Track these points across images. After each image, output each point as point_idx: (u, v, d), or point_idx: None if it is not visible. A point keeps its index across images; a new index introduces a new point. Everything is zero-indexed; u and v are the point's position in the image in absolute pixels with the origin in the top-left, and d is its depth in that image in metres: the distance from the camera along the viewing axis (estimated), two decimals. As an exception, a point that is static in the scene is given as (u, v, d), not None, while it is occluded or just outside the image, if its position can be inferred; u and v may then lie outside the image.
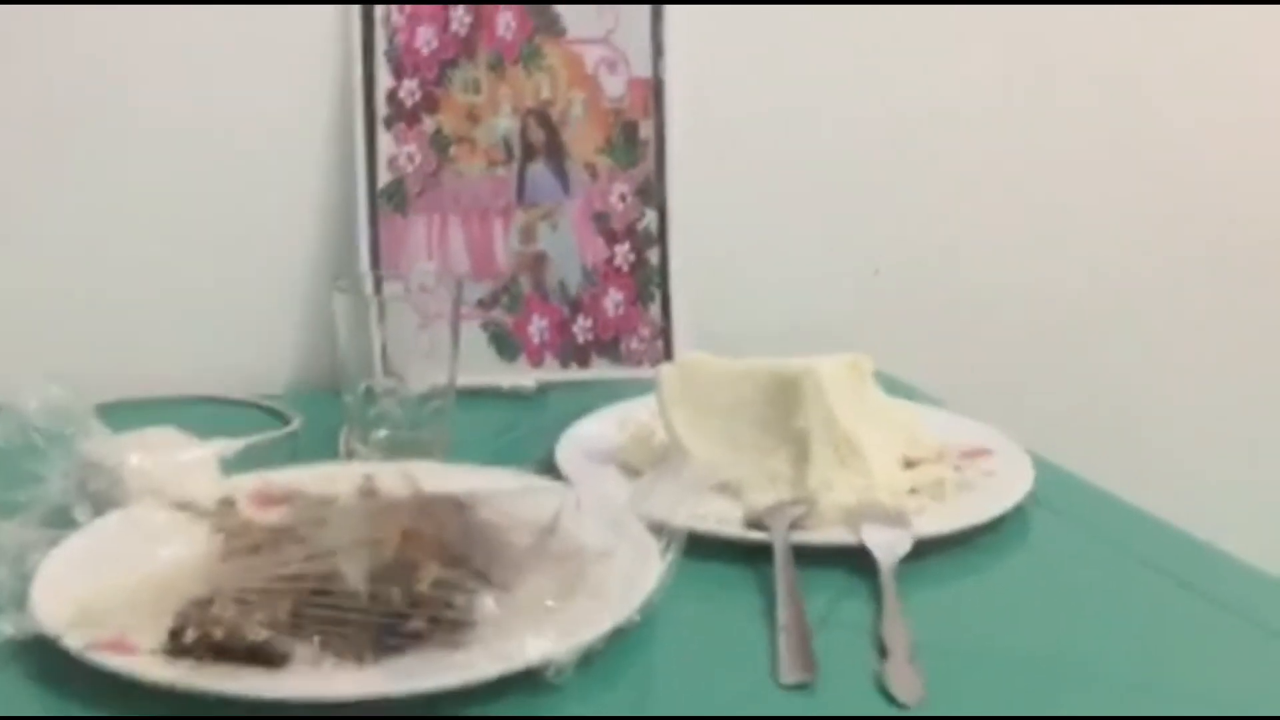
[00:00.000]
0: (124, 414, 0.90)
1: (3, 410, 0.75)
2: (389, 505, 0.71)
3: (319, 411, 0.92)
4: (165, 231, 1.00)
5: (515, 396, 1.02)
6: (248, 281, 1.02)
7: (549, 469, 0.83)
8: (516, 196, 1.04)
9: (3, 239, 0.97)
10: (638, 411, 0.91)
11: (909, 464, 0.85)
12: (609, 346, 1.05)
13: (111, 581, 0.64)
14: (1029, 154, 1.17)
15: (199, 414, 0.94)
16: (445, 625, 0.59)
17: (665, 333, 1.06)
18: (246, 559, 0.65)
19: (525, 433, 0.94)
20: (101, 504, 0.74)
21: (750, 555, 0.73)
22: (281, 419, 0.94)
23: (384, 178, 1.00)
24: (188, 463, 0.78)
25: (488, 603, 0.60)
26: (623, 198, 1.05)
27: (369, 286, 0.95)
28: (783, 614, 0.66)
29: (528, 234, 1.04)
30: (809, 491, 0.78)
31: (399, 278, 0.99)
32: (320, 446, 0.88)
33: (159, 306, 1.01)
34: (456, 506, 0.69)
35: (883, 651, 0.64)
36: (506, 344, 1.04)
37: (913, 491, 0.80)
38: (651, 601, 0.64)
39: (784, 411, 0.81)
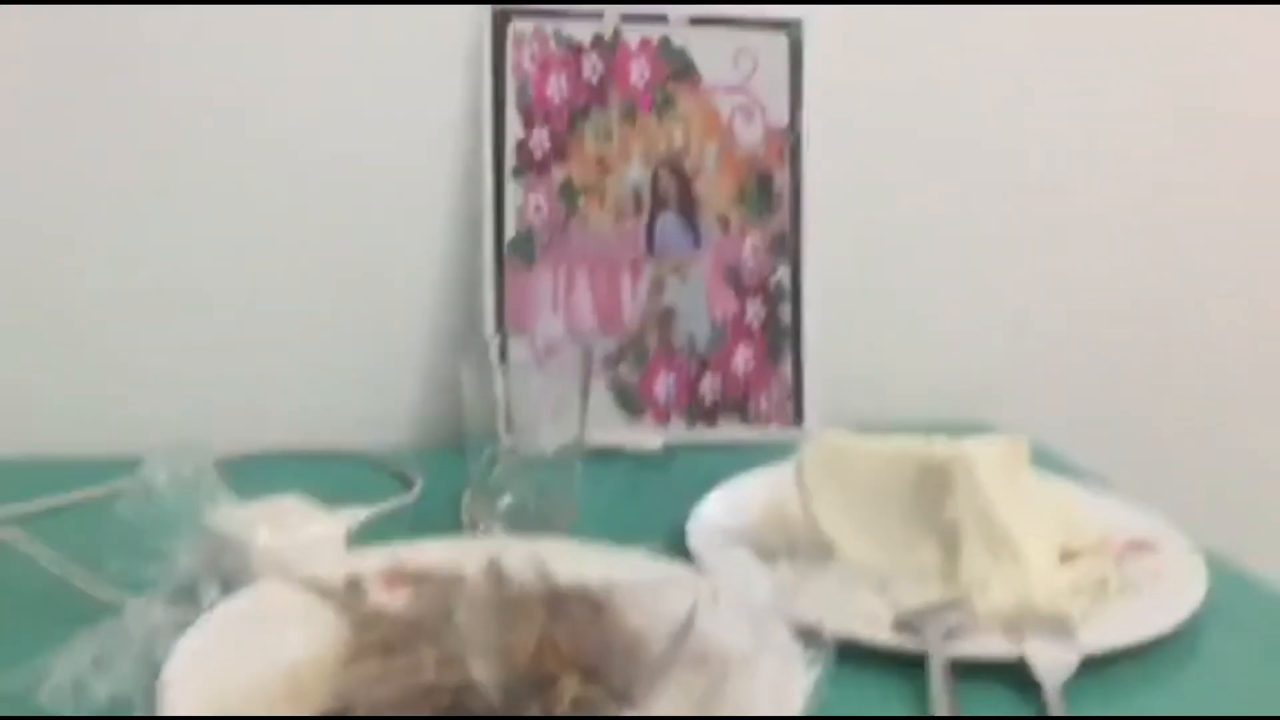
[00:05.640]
0: (242, 472, 0.88)
1: (132, 481, 0.74)
2: (520, 601, 0.67)
3: (443, 470, 0.89)
4: (286, 281, 0.98)
5: (640, 457, 0.98)
6: (370, 333, 1.00)
7: (678, 545, 0.80)
8: (646, 248, 1.00)
9: (125, 288, 0.96)
10: (770, 484, 0.87)
11: (1066, 555, 0.80)
12: (737, 406, 1.01)
13: (242, 679, 0.62)
14: (1195, 201, 1.10)
15: (313, 472, 0.92)
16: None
17: (796, 393, 1.02)
18: (379, 660, 0.62)
19: (652, 499, 0.91)
20: (229, 582, 0.72)
21: (900, 660, 0.69)
22: (403, 481, 0.92)
23: (511, 229, 0.98)
24: (316, 538, 0.76)
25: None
26: (755, 251, 1.01)
27: (494, 351, 0.91)
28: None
29: (656, 287, 1.00)
30: (961, 588, 0.74)
31: (524, 335, 0.96)
32: (444, 511, 0.86)
33: (279, 355, 0.99)
34: (592, 607, 0.66)
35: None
36: (631, 402, 1.00)
37: (1073, 592, 0.75)
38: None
39: (933, 500, 0.77)
